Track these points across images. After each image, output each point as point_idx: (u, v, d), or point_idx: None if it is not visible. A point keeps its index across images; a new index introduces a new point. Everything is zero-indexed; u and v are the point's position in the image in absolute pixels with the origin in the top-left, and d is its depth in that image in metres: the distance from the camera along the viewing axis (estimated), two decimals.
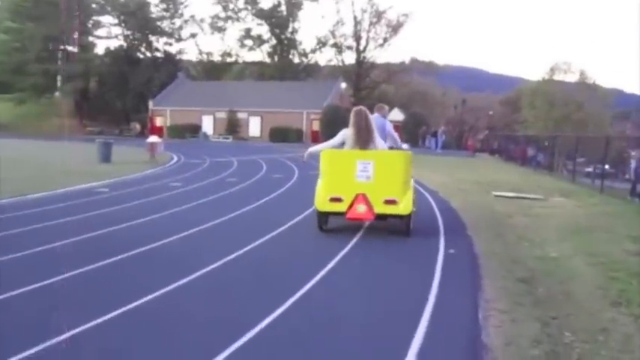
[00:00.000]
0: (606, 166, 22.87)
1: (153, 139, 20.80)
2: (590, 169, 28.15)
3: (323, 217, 7.70)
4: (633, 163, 16.70)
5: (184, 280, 5.11)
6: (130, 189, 12.39)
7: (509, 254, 6.61)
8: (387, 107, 8.86)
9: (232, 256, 6.11)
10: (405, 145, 8.94)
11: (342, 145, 7.75)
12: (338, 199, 7.34)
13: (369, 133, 7.49)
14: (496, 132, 52.73)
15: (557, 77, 47.84)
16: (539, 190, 14.93)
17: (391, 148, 8.21)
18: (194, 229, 7.59)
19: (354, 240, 7.25)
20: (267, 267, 5.84)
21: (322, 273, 5.49)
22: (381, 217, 7.53)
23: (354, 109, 7.79)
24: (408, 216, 7.44)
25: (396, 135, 8.74)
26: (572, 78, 48.38)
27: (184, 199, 10.75)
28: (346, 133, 7.69)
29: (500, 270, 5.72)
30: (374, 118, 8.00)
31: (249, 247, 6.58)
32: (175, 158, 23.38)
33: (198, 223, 7.95)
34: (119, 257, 5.94)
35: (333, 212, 7.53)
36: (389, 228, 7.88)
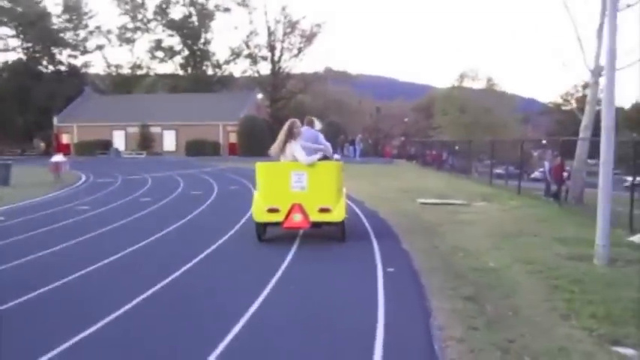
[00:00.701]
0: (511, 168, 23.88)
1: (57, 158, 19.19)
2: (500, 171, 29.55)
3: (261, 227, 7.96)
4: (547, 165, 17.29)
5: (83, 334, 4.20)
6: (30, 216, 11.14)
7: (449, 268, 6.30)
8: (315, 119, 9.07)
9: (144, 295, 5.37)
10: (336, 156, 8.98)
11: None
12: (275, 210, 7.63)
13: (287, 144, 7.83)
14: (411, 138, 54.05)
15: (466, 84, 49.83)
16: (461, 195, 15.07)
17: (324, 158, 8.25)
18: (102, 262, 6.71)
19: (283, 267, 6.68)
20: (191, 303, 5.15)
21: (253, 308, 4.88)
22: (317, 225, 7.81)
23: (289, 122, 8.08)
24: (342, 222, 7.77)
25: (328, 145, 8.75)
26: (479, 84, 50.56)
27: (92, 224, 9.70)
28: (276, 144, 8.01)
29: (445, 288, 5.37)
30: (304, 130, 8.19)
31: (164, 282, 5.84)
32: (84, 178, 21.82)
33: (107, 254, 7.07)
34: None
35: (271, 223, 7.82)
36: (325, 236, 7.42)
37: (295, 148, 7.77)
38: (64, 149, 47.24)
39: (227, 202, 13.51)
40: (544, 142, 31.18)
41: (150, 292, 5.37)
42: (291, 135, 7.86)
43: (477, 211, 11.88)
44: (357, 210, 11.37)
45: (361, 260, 6.76)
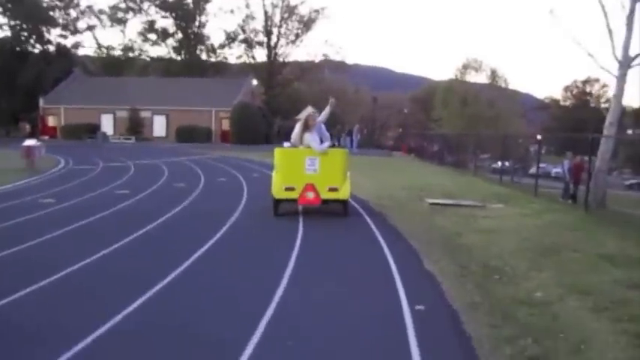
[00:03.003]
0: (506, 163, 22.58)
1: (29, 142, 17.53)
2: (496, 166, 28.36)
3: (278, 203, 9.23)
4: (566, 164, 15.89)
5: None
6: None
7: (492, 302, 4.86)
8: (317, 113, 9.59)
9: (96, 334, 3.91)
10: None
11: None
12: (291, 189, 8.96)
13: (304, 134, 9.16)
14: (407, 130, 52.61)
15: (470, 75, 48.33)
16: (472, 194, 13.66)
17: (332, 146, 9.83)
18: (35, 285, 5.18)
19: (277, 298, 5.22)
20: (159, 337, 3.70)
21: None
22: (325, 202, 9.15)
23: (306, 116, 9.30)
24: (346, 200, 9.36)
25: (327, 134, 9.67)
26: (483, 76, 49.07)
27: (48, 224, 8.11)
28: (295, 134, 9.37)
29: (498, 339, 3.91)
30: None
31: (118, 318, 4.38)
32: (62, 163, 20.24)
33: (47, 271, 5.51)
34: None
35: (288, 199, 9.13)
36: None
37: (311, 139, 9.07)
38: (51, 132, 45.54)
39: (212, 198, 12.03)
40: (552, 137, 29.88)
41: (90, 339, 3.90)
42: (307, 127, 9.16)
43: (496, 215, 10.45)
44: (364, 214, 9.89)
45: (381, 292, 5.20)
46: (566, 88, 77.08)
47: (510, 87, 52.29)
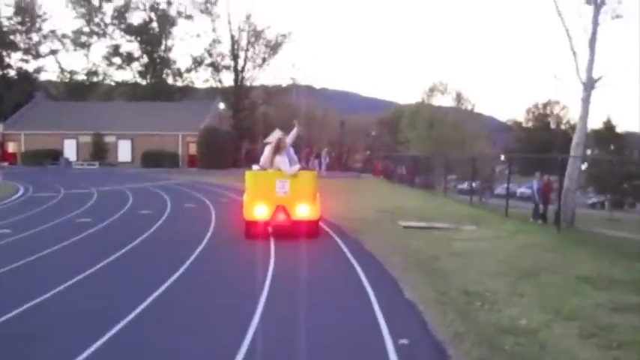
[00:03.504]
0: (473, 184, 22.81)
1: None
2: (463, 187, 28.64)
3: (250, 225, 9.28)
4: (535, 185, 15.97)
5: None
6: None
7: (475, 331, 4.62)
8: (285, 136, 9.89)
9: None
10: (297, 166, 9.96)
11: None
12: (262, 211, 9.10)
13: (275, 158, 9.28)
14: (376, 153, 52.80)
15: (436, 98, 48.91)
16: (444, 216, 13.56)
17: (302, 169, 10.08)
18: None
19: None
20: None
21: None
22: (296, 223, 9.21)
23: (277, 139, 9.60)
24: (317, 220, 9.61)
25: (295, 158, 9.94)
26: (448, 99, 49.73)
27: (3, 257, 7.63)
28: (265, 157, 9.54)
29: None
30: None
31: None
32: (22, 191, 19.48)
33: (4, 307, 5.12)
34: None
35: (259, 220, 9.18)
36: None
37: (281, 161, 9.19)
38: (11, 158, 44.11)
39: (179, 226, 11.60)
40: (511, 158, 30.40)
41: None
42: (278, 150, 9.28)
43: (470, 237, 10.31)
44: (338, 240, 9.60)
45: (361, 325, 4.87)
46: (528, 111, 78.88)
47: (475, 109, 53.27)
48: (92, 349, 4.15)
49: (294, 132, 9.99)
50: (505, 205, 15.13)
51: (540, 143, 61.96)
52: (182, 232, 10.60)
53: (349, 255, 8.21)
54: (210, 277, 6.87)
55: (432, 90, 48.24)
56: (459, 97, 48.45)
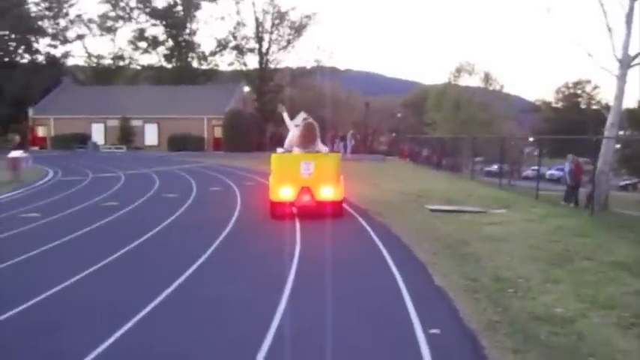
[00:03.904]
0: (495, 167, 22.35)
1: (15, 153, 16.98)
2: (490, 169, 28.11)
3: (275, 206, 9.52)
4: (567, 167, 15.55)
5: None
6: None
7: (509, 320, 4.46)
8: (310, 118, 10.53)
9: None
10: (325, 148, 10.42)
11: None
12: (288, 192, 9.35)
13: (313, 143, 9.72)
14: (400, 134, 52.23)
15: (463, 78, 48.00)
16: (472, 199, 13.29)
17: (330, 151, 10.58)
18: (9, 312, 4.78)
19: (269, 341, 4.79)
20: None
21: None
22: (320, 204, 9.44)
23: (306, 124, 9.89)
24: (341, 201, 9.84)
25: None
26: (475, 80, 48.76)
27: (29, 242, 7.65)
28: (291, 139, 10.01)
29: None
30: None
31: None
32: (51, 174, 19.74)
33: (20, 298, 5.11)
34: None
35: (284, 201, 9.44)
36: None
37: (319, 145, 9.81)
38: (40, 142, 44.89)
39: (206, 208, 11.59)
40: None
41: None
42: (316, 136, 9.74)
43: (500, 221, 10.06)
44: (365, 224, 9.44)
45: (391, 314, 4.70)
46: (558, 90, 77.00)
47: (503, 90, 52.17)
48: (112, 338, 4.12)
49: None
50: (535, 187, 14.76)
51: (569, 123, 60.42)
52: (208, 215, 10.57)
53: (376, 239, 8.07)
54: (238, 257, 6.84)
55: (458, 70, 47.33)
56: (487, 78, 47.42)
